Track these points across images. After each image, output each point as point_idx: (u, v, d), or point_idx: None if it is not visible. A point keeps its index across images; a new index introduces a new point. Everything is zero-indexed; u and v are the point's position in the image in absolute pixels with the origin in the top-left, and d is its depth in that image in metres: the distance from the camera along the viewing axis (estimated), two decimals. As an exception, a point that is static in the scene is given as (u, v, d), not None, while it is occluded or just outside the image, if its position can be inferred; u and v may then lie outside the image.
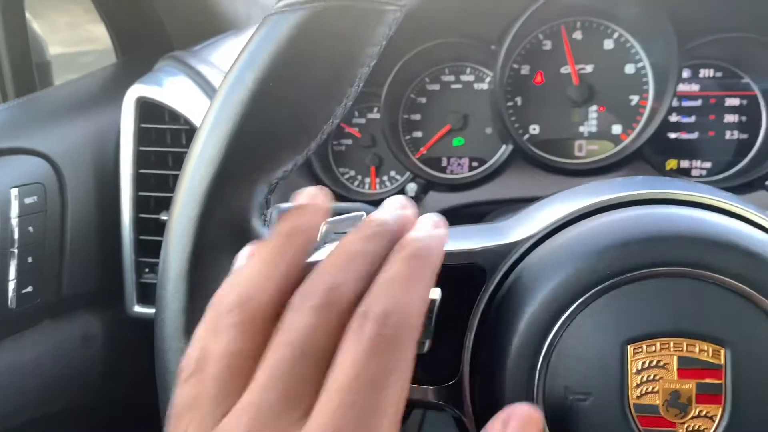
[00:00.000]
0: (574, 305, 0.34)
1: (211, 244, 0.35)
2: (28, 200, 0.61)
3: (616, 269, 0.34)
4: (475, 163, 0.84)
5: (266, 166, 0.36)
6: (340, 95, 0.37)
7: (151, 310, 0.72)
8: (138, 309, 0.72)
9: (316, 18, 0.34)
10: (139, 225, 0.71)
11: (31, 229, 0.61)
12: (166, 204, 0.72)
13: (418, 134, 0.85)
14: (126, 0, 0.86)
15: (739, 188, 0.76)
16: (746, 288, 0.33)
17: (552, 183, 0.79)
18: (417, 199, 0.79)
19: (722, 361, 0.33)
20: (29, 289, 0.61)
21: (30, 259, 0.61)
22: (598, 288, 0.34)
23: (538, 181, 0.79)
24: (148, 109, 0.73)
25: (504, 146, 0.82)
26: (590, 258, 0.35)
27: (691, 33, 0.74)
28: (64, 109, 0.75)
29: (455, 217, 0.79)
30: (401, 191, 0.80)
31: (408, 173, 0.83)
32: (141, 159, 0.72)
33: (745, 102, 0.78)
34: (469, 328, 0.37)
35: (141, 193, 0.71)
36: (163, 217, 0.70)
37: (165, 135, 0.74)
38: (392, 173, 0.85)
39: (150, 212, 0.71)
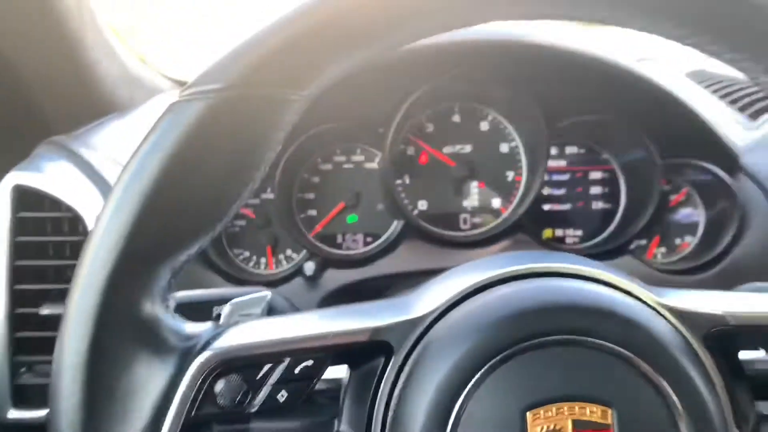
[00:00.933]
0: (477, 375, 0.36)
1: (111, 332, 0.34)
2: None
3: (511, 340, 0.36)
4: (369, 239, 0.87)
5: (169, 251, 0.36)
6: (247, 179, 0.37)
7: (29, 414, 0.65)
8: (13, 414, 0.65)
9: (221, 106, 0.34)
10: (16, 321, 0.66)
11: None
12: (45, 297, 0.67)
13: (313, 212, 0.87)
14: (2, 85, 0.82)
15: (607, 253, 0.83)
16: (625, 352, 0.36)
17: (442, 255, 0.83)
18: (315, 277, 0.80)
19: (610, 421, 0.35)
20: None
21: None
22: (496, 358, 0.36)
23: (429, 253, 0.83)
24: (25, 198, 0.69)
25: (395, 222, 0.85)
26: (488, 330, 0.37)
27: (556, 115, 0.83)
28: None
29: (354, 293, 0.80)
30: (298, 270, 0.81)
31: (305, 251, 0.84)
32: (18, 250, 0.67)
33: (606, 175, 0.88)
34: (378, 403, 0.38)
35: (18, 287, 0.66)
36: (44, 311, 0.65)
37: (45, 223, 0.69)
38: (288, 252, 0.86)
39: (28, 306, 0.66)
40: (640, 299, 0.39)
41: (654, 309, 0.38)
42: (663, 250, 0.86)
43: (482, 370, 0.36)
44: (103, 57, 0.89)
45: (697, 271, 0.81)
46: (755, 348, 0.43)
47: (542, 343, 0.36)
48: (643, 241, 0.86)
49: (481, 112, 0.87)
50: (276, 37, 0.34)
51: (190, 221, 0.36)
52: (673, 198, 0.86)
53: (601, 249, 0.84)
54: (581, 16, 0.37)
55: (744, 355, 0.43)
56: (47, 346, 0.65)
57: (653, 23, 0.37)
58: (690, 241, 0.86)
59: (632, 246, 0.85)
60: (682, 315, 0.39)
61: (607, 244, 0.85)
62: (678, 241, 0.86)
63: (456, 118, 0.87)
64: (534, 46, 0.75)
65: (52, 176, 0.70)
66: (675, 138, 0.81)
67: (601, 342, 0.36)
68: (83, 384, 0.33)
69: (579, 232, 0.88)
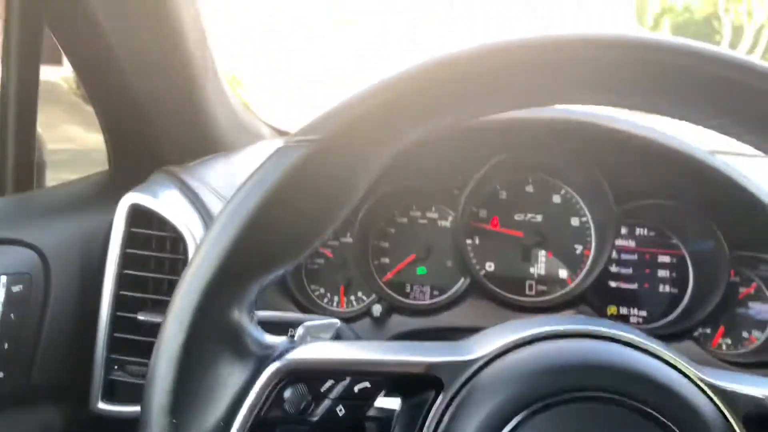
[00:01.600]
0: (516, 420, 0.39)
1: (203, 332, 0.39)
2: (15, 288, 0.64)
3: (551, 390, 0.39)
4: (436, 292, 0.91)
5: (261, 270, 0.41)
6: (333, 217, 0.43)
7: (115, 408, 0.72)
8: (102, 405, 0.72)
9: (320, 154, 0.40)
10: (116, 323, 0.74)
11: (12, 316, 0.63)
12: (144, 305, 0.75)
13: (386, 260, 0.92)
14: (127, 113, 0.93)
15: (669, 337, 0.84)
16: (661, 418, 0.38)
17: (505, 316, 0.85)
18: (381, 320, 0.84)
19: None
20: (0, 375, 0.61)
21: (6, 346, 0.62)
22: (535, 406, 0.39)
23: (491, 313, 0.86)
24: (138, 216, 0.78)
25: (462, 279, 0.89)
26: (531, 378, 0.40)
27: (626, 196, 0.86)
28: (58, 208, 0.79)
29: (416, 339, 0.84)
30: (367, 312, 0.86)
31: (374, 295, 0.89)
32: (126, 260, 0.76)
33: (675, 260, 0.89)
34: None
35: (122, 292, 0.74)
36: (140, 317, 0.73)
37: (151, 240, 0.78)
38: (359, 294, 0.91)
39: (127, 311, 0.74)
40: (683, 373, 0.41)
41: (695, 383, 0.41)
42: (728, 341, 0.85)
43: (521, 415, 0.39)
44: (219, 103, 1.00)
45: (762, 366, 0.80)
46: None
47: (581, 398, 0.39)
48: (708, 330, 0.86)
49: (554, 185, 0.91)
50: (371, 99, 0.40)
51: (279, 249, 0.42)
52: (743, 291, 0.86)
53: (665, 332, 0.85)
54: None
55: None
56: (140, 348, 0.73)
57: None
58: (758, 336, 0.85)
59: (696, 333, 0.85)
60: (723, 393, 0.41)
61: (671, 328, 0.85)
62: (745, 334, 0.85)
63: (529, 188, 0.92)
64: (608, 129, 0.79)
65: (163, 200, 0.79)
66: (746, 231, 0.82)
67: (638, 405, 0.39)
68: (175, 373, 0.38)
69: (643, 313, 0.89)
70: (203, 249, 0.39)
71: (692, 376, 0.41)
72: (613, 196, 0.85)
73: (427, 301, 0.90)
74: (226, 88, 1.05)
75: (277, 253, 0.42)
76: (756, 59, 0.37)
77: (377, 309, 0.83)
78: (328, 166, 0.41)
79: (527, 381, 0.40)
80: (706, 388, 0.41)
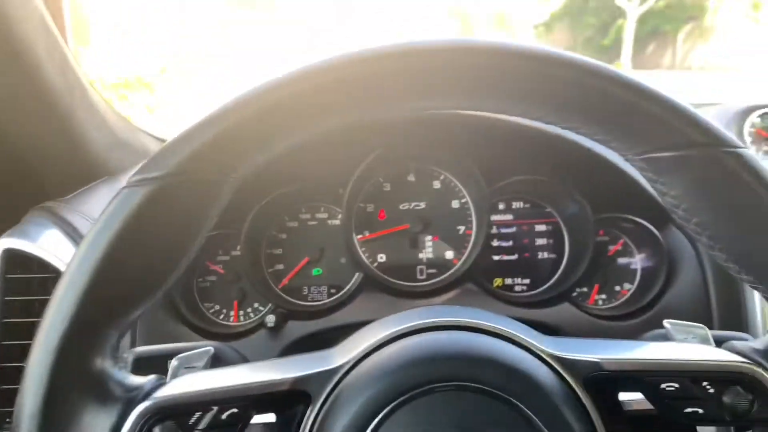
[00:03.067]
0: (378, 418, 0.42)
1: (64, 385, 0.39)
2: None
3: (406, 387, 0.43)
4: (333, 290, 0.94)
5: (117, 314, 0.41)
6: (184, 251, 0.43)
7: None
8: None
9: (162, 191, 0.40)
10: (4, 374, 0.73)
11: None
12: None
13: (280, 266, 0.94)
14: None
15: (551, 300, 0.90)
16: (506, 396, 0.42)
17: (398, 305, 0.89)
18: (276, 329, 0.86)
19: None
20: None
21: None
22: (394, 403, 0.42)
23: (385, 304, 0.90)
24: (15, 260, 0.76)
25: (356, 274, 0.93)
26: (387, 378, 0.44)
27: (498, 175, 0.91)
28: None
29: (313, 343, 0.87)
30: (261, 323, 0.87)
31: (270, 305, 0.91)
32: (7, 308, 0.74)
33: (550, 227, 0.95)
34: None
35: (5, 342, 0.73)
36: (28, 365, 0.72)
37: (33, 284, 0.77)
38: (255, 305, 0.93)
39: (14, 361, 0.73)
40: (525, 348, 0.46)
41: (537, 356, 0.45)
42: (603, 296, 0.93)
43: (382, 414, 0.42)
44: (93, 127, 0.97)
45: (633, 316, 0.87)
46: (632, 391, 0.47)
47: (432, 389, 0.43)
48: (585, 289, 0.93)
49: (433, 172, 0.95)
50: (209, 129, 0.40)
51: (134, 290, 0.42)
52: (611, 248, 0.93)
53: (546, 296, 0.91)
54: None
55: (625, 396, 0.49)
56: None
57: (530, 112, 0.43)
58: (629, 288, 0.92)
59: (575, 293, 0.92)
60: (562, 361, 0.45)
61: (552, 292, 0.91)
62: (617, 288, 0.93)
63: (411, 177, 0.95)
64: (473, 115, 0.83)
65: (40, 241, 0.78)
66: (606, 194, 0.88)
67: (485, 388, 0.43)
68: (38, 429, 0.38)
69: (527, 281, 0.95)
70: (55, 302, 0.39)
71: (534, 350, 0.45)
72: (486, 176, 0.89)
73: (326, 300, 0.93)
74: (102, 108, 1.02)
75: (130, 295, 0.42)
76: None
77: (271, 319, 0.85)
78: (172, 202, 0.41)
79: (383, 381, 0.44)
80: (547, 359, 0.45)
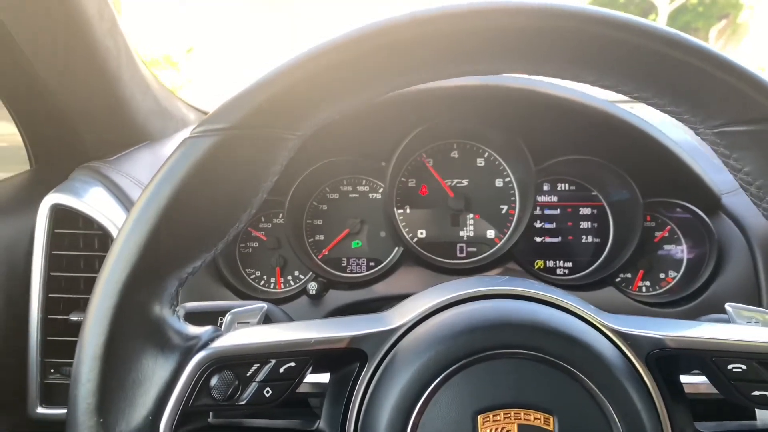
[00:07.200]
0: (435, 381, 0.42)
1: (124, 330, 0.39)
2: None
3: (466, 351, 0.42)
4: (372, 263, 0.93)
5: (177, 264, 0.42)
6: (245, 204, 0.43)
7: (55, 411, 0.73)
8: (41, 410, 0.72)
9: (226, 143, 0.40)
10: (47, 326, 0.73)
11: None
12: (76, 305, 0.75)
13: (320, 237, 0.94)
14: (43, 111, 0.91)
15: (594, 284, 0.89)
16: (567, 366, 0.42)
17: (437, 281, 0.88)
18: (317, 297, 0.86)
19: (552, 427, 0.41)
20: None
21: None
22: (453, 367, 0.42)
23: (425, 279, 0.89)
24: (62, 216, 0.77)
25: (396, 248, 0.92)
26: (447, 342, 0.43)
27: (544, 155, 0.89)
28: (-24, 214, 0.78)
29: (353, 312, 0.86)
30: (304, 290, 0.87)
31: (310, 273, 0.91)
32: (53, 262, 0.75)
33: (595, 211, 0.94)
34: (352, 405, 0.44)
35: (51, 295, 0.74)
36: (73, 318, 0.73)
37: (78, 240, 0.78)
38: (296, 273, 0.93)
39: (59, 313, 0.74)
40: (586, 321, 0.45)
41: (599, 330, 0.44)
42: (647, 283, 0.91)
43: (440, 377, 0.42)
44: (138, 92, 0.98)
45: (678, 304, 0.85)
46: (695, 371, 0.47)
47: (494, 355, 0.42)
48: (629, 275, 0.91)
49: (477, 150, 0.94)
50: (273, 85, 0.40)
51: (195, 240, 0.42)
52: (658, 235, 0.91)
53: (589, 281, 0.89)
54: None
55: (688, 379, 0.48)
56: (75, 350, 0.73)
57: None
58: (674, 276, 0.91)
59: (618, 279, 0.90)
60: (625, 336, 0.44)
61: (595, 276, 0.90)
62: (662, 275, 0.91)
63: (455, 154, 0.94)
64: (521, 90, 0.81)
65: (87, 198, 0.78)
66: (657, 179, 0.86)
67: (546, 357, 0.42)
68: (99, 373, 0.38)
69: (569, 264, 0.93)
70: (116, 247, 0.40)
71: (597, 323, 0.44)
72: (532, 155, 0.88)
73: (364, 273, 0.92)
74: (146, 75, 1.02)
75: (191, 245, 0.42)
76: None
77: (313, 287, 0.85)
78: (235, 155, 0.41)
79: (444, 344, 0.43)
80: (609, 334, 0.44)
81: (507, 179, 0.93)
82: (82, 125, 0.94)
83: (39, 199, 0.78)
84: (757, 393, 0.43)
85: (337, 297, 0.88)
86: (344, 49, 0.39)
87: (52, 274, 0.75)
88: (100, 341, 0.38)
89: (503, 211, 0.93)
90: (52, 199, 0.77)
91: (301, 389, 0.48)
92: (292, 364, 0.44)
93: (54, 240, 0.76)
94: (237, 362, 0.43)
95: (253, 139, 0.41)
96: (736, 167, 0.41)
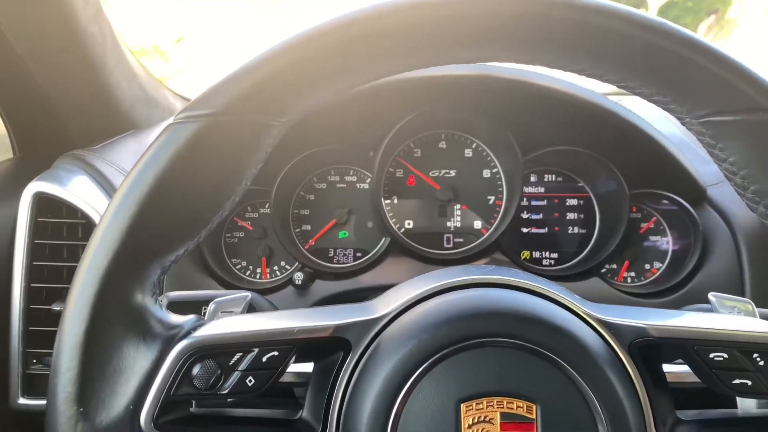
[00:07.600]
0: (419, 370, 0.42)
1: (105, 318, 0.39)
2: None
3: (449, 340, 0.42)
4: (359, 254, 0.93)
5: (160, 251, 0.41)
6: (229, 192, 0.43)
7: (37, 402, 0.72)
8: (23, 401, 0.72)
9: (210, 129, 0.40)
10: (30, 316, 0.73)
11: None
12: (59, 295, 0.74)
13: (307, 227, 0.94)
14: (26, 98, 0.89)
15: (579, 275, 0.89)
16: (551, 355, 0.42)
17: (424, 271, 0.88)
18: (303, 287, 0.86)
19: (534, 416, 0.41)
20: None
21: None
22: (436, 356, 0.42)
23: (412, 269, 0.89)
24: (45, 204, 0.76)
25: (383, 239, 0.92)
26: (430, 331, 0.43)
27: (532, 145, 0.89)
28: (-42, 203, 0.77)
29: (339, 302, 0.86)
30: (289, 280, 0.87)
31: (297, 263, 0.90)
32: (35, 251, 0.74)
33: (582, 202, 0.94)
34: (335, 393, 0.44)
35: (34, 285, 0.73)
36: (56, 308, 0.72)
37: (61, 229, 0.77)
38: (282, 263, 0.92)
39: (41, 303, 0.73)
40: (570, 309, 0.45)
41: (583, 319, 0.44)
42: (632, 274, 0.91)
43: (424, 366, 0.42)
44: (123, 80, 0.97)
45: (662, 294, 0.86)
46: (677, 360, 0.47)
47: (477, 344, 0.42)
48: (614, 266, 0.92)
49: (465, 140, 0.93)
50: (258, 70, 0.39)
51: (178, 227, 0.42)
52: (644, 226, 0.92)
53: (574, 271, 0.90)
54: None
55: (671, 368, 0.48)
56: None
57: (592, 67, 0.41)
58: (659, 267, 0.91)
59: (603, 269, 0.91)
60: (608, 325, 0.44)
61: (580, 267, 0.90)
62: (647, 266, 0.91)
63: (442, 145, 0.94)
64: (510, 81, 0.81)
65: (70, 187, 0.77)
66: (644, 170, 0.86)
67: (529, 345, 0.42)
68: (79, 362, 0.38)
69: (555, 255, 0.93)
70: (98, 234, 0.39)
71: (580, 312, 0.44)
72: (519, 146, 0.88)
73: (351, 263, 0.92)
74: (132, 62, 1.01)
75: (174, 232, 0.42)
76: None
77: (299, 277, 0.85)
78: (218, 141, 0.40)
79: (427, 333, 0.43)
80: (593, 322, 0.44)
81: (494, 170, 0.93)
82: (66, 113, 0.93)
83: (22, 187, 0.77)
84: (737, 381, 0.43)
85: (323, 287, 0.87)
86: (330, 34, 0.39)
87: (34, 263, 0.74)
88: (80, 330, 0.38)
89: (490, 202, 0.93)
90: (34, 187, 0.76)
91: (285, 378, 0.48)
92: (275, 353, 0.43)
93: (37, 229, 0.75)
94: (219, 351, 0.43)
95: (238, 125, 0.40)
96: (722, 157, 0.41)
